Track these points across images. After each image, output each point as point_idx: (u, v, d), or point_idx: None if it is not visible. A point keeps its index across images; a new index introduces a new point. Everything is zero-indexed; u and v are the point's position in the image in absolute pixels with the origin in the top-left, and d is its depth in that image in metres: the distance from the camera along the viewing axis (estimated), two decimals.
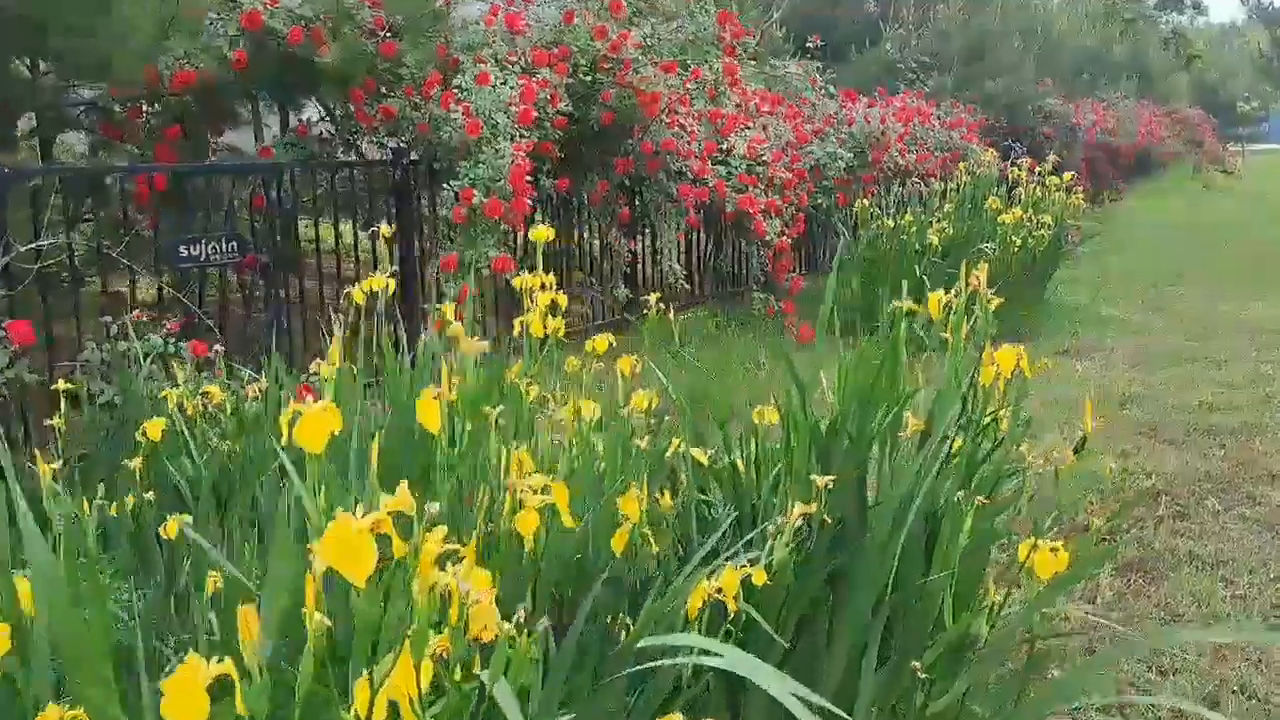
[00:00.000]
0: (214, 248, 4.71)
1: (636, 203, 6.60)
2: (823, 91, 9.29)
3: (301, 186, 5.30)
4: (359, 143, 5.65)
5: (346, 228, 5.44)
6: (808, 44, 9.97)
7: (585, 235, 6.75)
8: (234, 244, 4.77)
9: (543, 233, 3.11)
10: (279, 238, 4.79)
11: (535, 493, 1.67)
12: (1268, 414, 5.21)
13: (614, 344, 2.59)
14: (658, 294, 2.97)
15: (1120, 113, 18.32)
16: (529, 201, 4.73)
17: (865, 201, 7.78)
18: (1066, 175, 8.37)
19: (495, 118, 4.79)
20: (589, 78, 6.13)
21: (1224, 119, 33.27)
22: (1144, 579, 3.42)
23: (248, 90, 5.14)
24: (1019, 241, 7.51)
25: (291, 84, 5.16)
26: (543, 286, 2.42)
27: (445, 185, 4.87)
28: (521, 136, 4.88)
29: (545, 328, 2.42)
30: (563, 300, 2.41)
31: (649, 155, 6.08)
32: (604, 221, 6.51)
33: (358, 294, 3.33)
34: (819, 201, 8.52)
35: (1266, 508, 4.01)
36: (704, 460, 2.38)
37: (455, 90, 4.94)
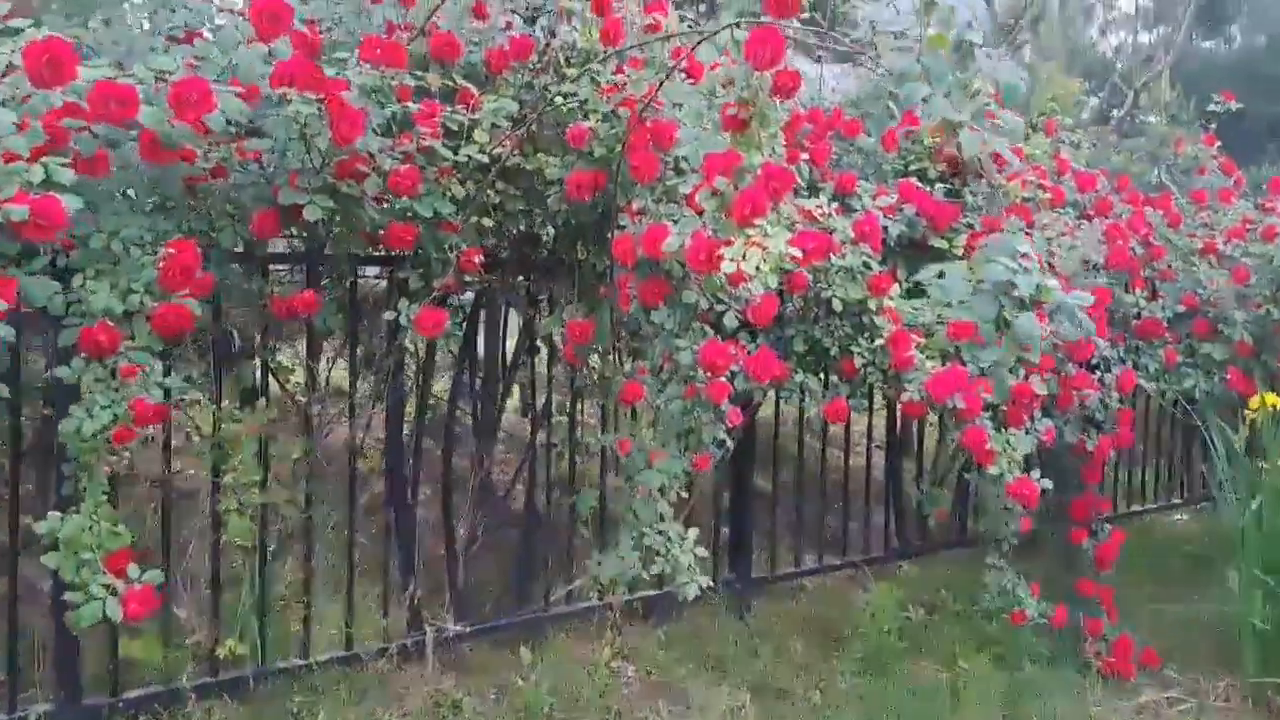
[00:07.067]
0: None
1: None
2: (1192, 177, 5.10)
3: None
4: None
5: None
6: (1212, 106, 5.76)
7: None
8: None
9: None
10: None
11: None
12: None
13: None
14: None
15: None
16: None
17: (1266, 396, 3.60)
18: None
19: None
20: (558, 91, 2.85)
21: None
22: None
23: None
24: None
25: None
26: None
27: None
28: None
29: None
30: None
31: (634, 269, 2.59)
32: (600, 399, 3.09)
33: None
34: (1190, 384, 4.39)
35: None
36: None
37: None
